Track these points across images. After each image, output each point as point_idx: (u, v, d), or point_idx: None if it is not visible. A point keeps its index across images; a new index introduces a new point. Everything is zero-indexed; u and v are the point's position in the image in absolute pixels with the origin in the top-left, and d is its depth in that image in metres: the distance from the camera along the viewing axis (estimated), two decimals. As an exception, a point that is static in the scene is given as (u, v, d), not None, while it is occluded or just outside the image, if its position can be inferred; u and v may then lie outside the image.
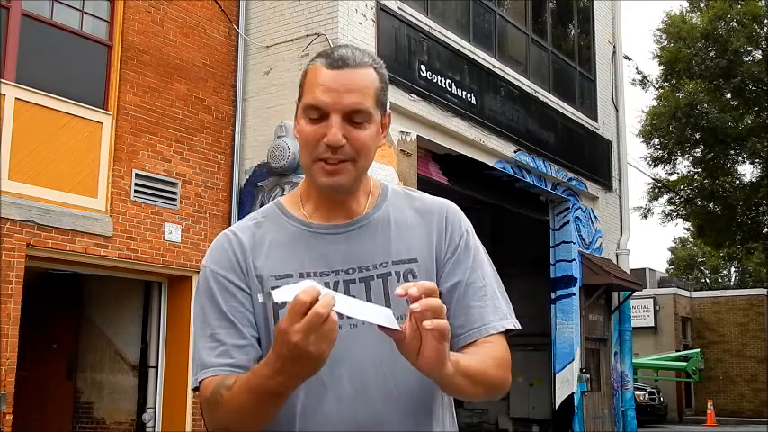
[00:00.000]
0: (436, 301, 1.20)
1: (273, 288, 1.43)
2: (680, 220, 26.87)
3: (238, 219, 9.31)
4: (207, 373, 1.43)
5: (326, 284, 1.42)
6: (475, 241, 1.58)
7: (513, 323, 1.54)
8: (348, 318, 1.39)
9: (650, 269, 29.56)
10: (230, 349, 1.44)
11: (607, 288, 13.82)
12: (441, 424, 1.50)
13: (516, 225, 14.57)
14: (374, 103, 1.46)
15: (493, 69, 11.35)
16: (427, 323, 1.19)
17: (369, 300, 1.45)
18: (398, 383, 1.43)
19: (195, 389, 1.47)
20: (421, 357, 1.23)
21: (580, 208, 13.77)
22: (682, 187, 24.63)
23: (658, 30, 23.68)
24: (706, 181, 24.00)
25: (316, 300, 1.16)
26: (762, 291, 28.08)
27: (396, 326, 1.22)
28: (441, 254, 1.53)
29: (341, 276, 1.47)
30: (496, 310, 1.52)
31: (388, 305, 1.42)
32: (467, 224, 1.58)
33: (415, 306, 1.19)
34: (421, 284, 1.21)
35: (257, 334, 1.48)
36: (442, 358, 1.24)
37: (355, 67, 1.45)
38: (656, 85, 24.20)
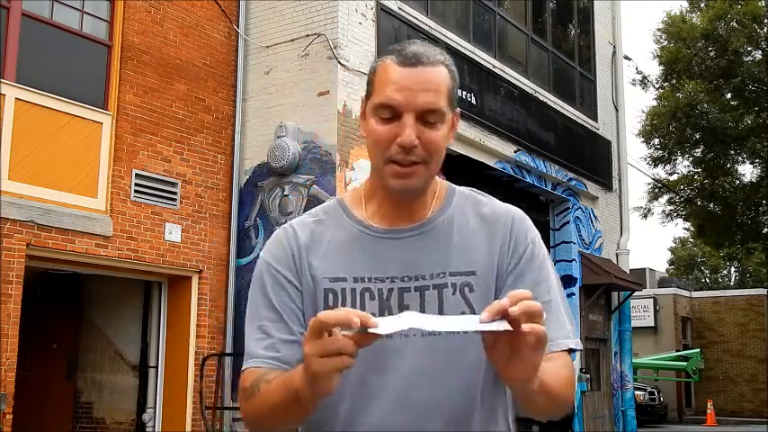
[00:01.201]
0: (534, 305, 1.13)
1: (326, 289, 1.45)
2: (680, 220, 26.90)
3: (238, 219, 9.33)
4: (251, 364, 1.44)
5: (380, 291, 1.43)
6: (541, 252, 1.49)
7: (576, 342, 1.46)
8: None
9: (650, 269, 29.56)
10: (277, 343, 1.43)
11: (607, 288, 13.82)
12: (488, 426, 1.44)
13: (516, 225, 14.55)
14: (447, 103, 1.41)
15: (493, 69, 11.35)
16: (525, 326, 1.11)
17: (422, 310, 1.41)
18: (446, 395, 1.39)
19: None
20: (512, 365, 1.16)
21: (580, 208, 13.77)
22: (682, 187, 24.64)
23: (658, 30, 23.70)
24: (706, 181, 24.01)
25: (346, 323, 1.13)
26: (762, 291, 28.08)
27: (496, 327, 1.13)
28: (503, 265, 1.46)
29: (396, 284, 1.43)
30: (560, 328, 1.44)
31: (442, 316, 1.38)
32: (533, 234, 1.50)
33: (514, 309, 1.11)
34: (514, 294, 1.14)
35: (305, 331, 1.47)
36: (534, 368, 1.17)
37: (429, 65, 1.40)
38: (656, 85, 24.21)
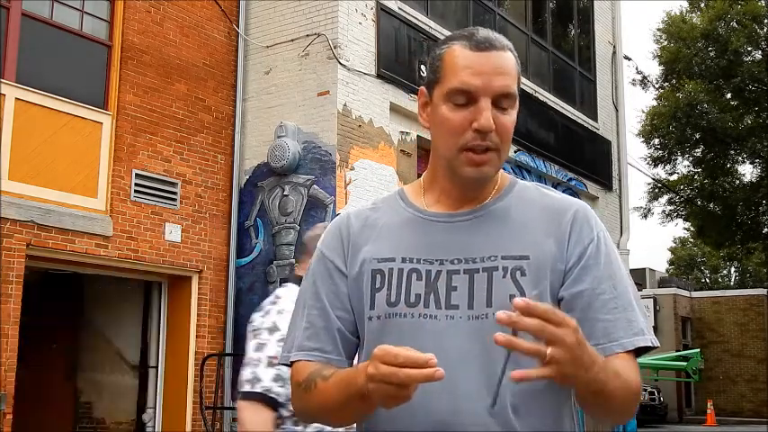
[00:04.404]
0: (533, 322, 1.11)
1: (374, 270, 1.44)
2: (680, 220, 26.93)
3: (238, 219, 9.33)
4: (299, 356, 1.46)
5: (428, 272, 1.41)
6: (608, 248, 1.42)
7: (651, 340, 1.38)
8: (447, 309, 1.38)
9: (650, 269, 29.55)
10: (319, 332, 1.46)
11: (607, 288, 13.78)
12: (544, 425, 1.37)
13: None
14: (517, 88, 1.42)
15: (493, 69, 11.35)
16: (515, 373, 1.13)
17: (471, 293, 1.38)
18: (491, 385, 1.32)
19: (284, 364, 1.50)
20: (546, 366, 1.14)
21: (580, 208, 13.75)
22: (682, 187, 24.66)
23: (658, 30, 23.74)
24: (706, 181, 24.03)
25: (421, 365, 1.13)
26: (762, 291, 28.06)
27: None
28: (564, 258, 1.40)
29: (445, 266, 1.40)
30: (630, 325, 1.37)
31: (489, 300, 1.36)
32: (599, 228, 1.43)
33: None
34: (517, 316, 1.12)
35: (351, 316, 1.47)
36: (560, 378, 1.16)
37: (501, 50, 1.41)
38: (656, 85, 24.24)
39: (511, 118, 1.40)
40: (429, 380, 1.13)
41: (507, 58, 1.42)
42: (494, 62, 1.39)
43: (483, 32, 1.42)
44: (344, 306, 1.47)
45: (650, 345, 1.37)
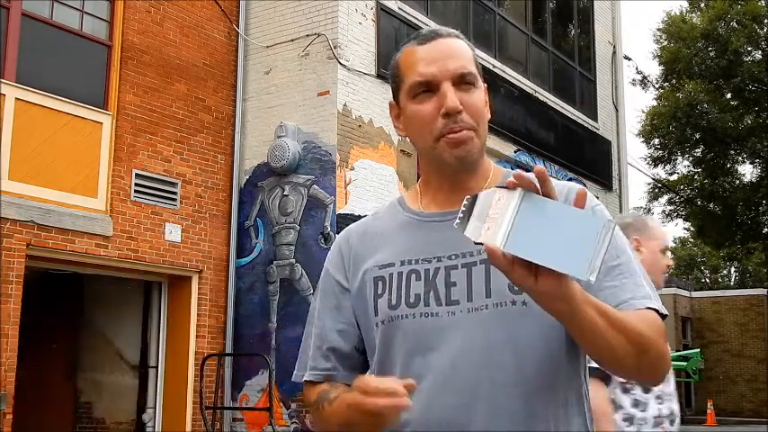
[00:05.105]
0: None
1: (375, 277, 1.46)
2: (680, 220, 26.93)
3: (238, 219, 9.33)
4: (308, 376, 1.53)
5: (427, 271, 1.42)
6: None
7: (659, 307, 1.34)
8: (447, 305, 1.37)
9: (650, 269, 29.46)
10: (316, 353, 1.53)
11: (607, 288, 13.77)
12: (552, 424, 1.34)
13: (516, 225, 14.54)
14: (475, 70, 1.46)
15: (493, 69, 11.35)
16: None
17: (469, 287, 1.38)
18: (494, 377, 1.33)
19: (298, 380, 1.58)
20: (540, 275, 1.11)
21: (580, 208, 13.74)
22: (682, 187, 24.66)
23: (658, 30, 23.73)
24: (706, 181, 24.02)
25: (388, 395, 1.18)
26: (762, 291, 28.05)
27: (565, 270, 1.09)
28: None
29: (443, 263, 1.41)
30: (638, 289, 1.35)
31: (488, 291, 1.36)
32: (594, 204, 1.42)
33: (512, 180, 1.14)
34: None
35: (356, 329, 1.50)
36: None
37: (447, 37, 1.46)
38: (656, 85, 24.23)
39: (477, 96, 1.44)
40: (397, 410, 1.18)
41: (456, 43, 1.46)
42: (442, 48, 1.43)
43: (428, 28, 1.49)
44: (349, 320, 1.50)
45: (659, 310, 1.34)
